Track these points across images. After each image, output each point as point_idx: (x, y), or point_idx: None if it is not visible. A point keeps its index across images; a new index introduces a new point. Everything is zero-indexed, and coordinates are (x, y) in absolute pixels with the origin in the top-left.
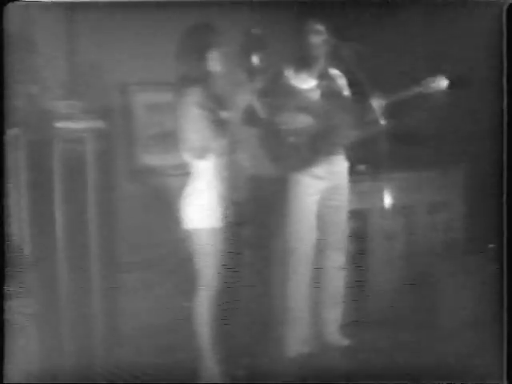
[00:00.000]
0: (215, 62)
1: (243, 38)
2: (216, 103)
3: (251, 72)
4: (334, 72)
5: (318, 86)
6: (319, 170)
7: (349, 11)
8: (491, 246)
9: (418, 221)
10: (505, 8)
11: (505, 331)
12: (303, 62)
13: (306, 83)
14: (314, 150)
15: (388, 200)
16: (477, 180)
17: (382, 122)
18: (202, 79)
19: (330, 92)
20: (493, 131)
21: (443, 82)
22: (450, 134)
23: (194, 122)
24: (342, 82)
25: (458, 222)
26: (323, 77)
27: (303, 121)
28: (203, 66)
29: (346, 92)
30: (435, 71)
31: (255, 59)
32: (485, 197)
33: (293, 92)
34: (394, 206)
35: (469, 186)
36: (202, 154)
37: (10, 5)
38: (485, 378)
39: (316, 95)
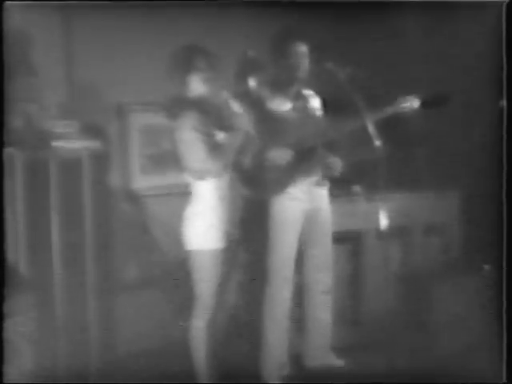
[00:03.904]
0: (197, 86)
1: (239, 60)
2: (211, 125)
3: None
4: (308, 93)
5: (294, 108)
6: (299, 192)
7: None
8: (486, 266)
9: (413, 242)
10: (504, 8)
11: (505, 331)
12: (279, 84)
13: (283, 106)
14: (293, 172)
15: (383, 221)
16: (473, 201)
17: (377, 143)
18: (194, 101)
19: (307, 113)
20: (491, 151)
21: (415, 102)
22: (447, 154)
23: (190, 145)
24: (315, 102)
25: (453, 242)
26: (298, 98)
27: (283, 144)
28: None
29: (320, 112)
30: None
31: (252, 82)
32: (481, 218)
33: (270, 115)
34: (389, 227)
35: (465, 207)
36: (200, 175)
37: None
38: (484, 378)
39: (292, 117)
